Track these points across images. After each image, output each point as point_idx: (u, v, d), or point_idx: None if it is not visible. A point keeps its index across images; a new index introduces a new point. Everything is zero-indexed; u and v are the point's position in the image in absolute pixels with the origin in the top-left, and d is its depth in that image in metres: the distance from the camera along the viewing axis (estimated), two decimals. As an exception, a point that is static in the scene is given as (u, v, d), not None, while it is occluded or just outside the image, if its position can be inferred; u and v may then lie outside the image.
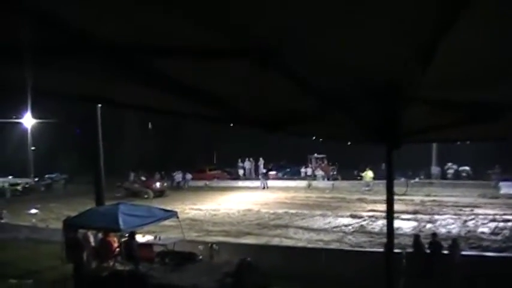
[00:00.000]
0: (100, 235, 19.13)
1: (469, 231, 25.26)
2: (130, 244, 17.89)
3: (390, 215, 5.08)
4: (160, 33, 2.34)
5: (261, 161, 59.40)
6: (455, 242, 17.53)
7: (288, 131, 5.07)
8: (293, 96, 3.63)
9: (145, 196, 47.17)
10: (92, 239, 19.13)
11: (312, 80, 3.20)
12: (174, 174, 57.38)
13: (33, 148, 61.26)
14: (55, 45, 2.28)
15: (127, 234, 17.93)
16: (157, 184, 51.04)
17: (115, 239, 18.47)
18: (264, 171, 56.18)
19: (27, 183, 56.62)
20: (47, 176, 60.43)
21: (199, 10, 2.08)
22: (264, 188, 51.88)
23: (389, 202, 5.02)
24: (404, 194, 36.37)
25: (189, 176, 56.20)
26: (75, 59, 2.51)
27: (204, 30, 2.32)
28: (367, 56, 2.90)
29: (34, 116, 58.73)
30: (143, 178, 52.23)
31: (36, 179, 59.04)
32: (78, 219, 18.83)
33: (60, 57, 2.47)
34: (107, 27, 2.23)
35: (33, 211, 36.60)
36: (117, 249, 18.19)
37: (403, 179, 41.15)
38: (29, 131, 60.14)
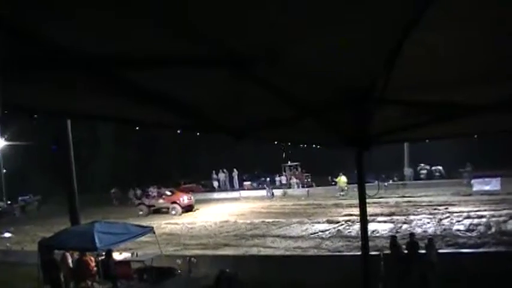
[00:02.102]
0: (76, 255, 18.93)
1: (444, 230, 25.53)
2: (107, 262, 17.77)
3: (363, 217, 5.11)
4: (137, 43, 2.35)
5: (235, 172, 59.26)
6: (430, 241, 17.67)
7: (257, 137, 5.09)
8: (265, 104, 3.66)
9: (173, 212, 43.03)
10: (69, 260, 18.91)
11: (285, 88, 3.23)
12: (149, 189, 56.82)
13: (4, 171, 60.47)
14: (25, 59, 2.26)
15: (104, 253, 17.78)
16: (185, 198, 45.28)
17: (92, 258, 18.32)
18: (268, 179, 54.27)
19: (-1, 207, 55.78)
20: (20, 198, 59.46)
21: (175, 21, 2.09)
22: (272, 196, 50.11)
23: (362, 203, 5.05)
24: (375, 197, 36.67)
25: (164, 190, 55.13)
26: (47, 72, 2.50)
27: (179, 40, 2.33)
28: (337, 62, 2.94)
29: (4, 138, 57.89)
30: (168, 192, 46.45)
31: (9, 202, 58.10)
32: (53, 240, 18.69)
33: (32, 71, 2.45)
34: (81, 39, 2.22)
35: (7, 234, 36.06)
36: (94, 269, 18.04)
37: (376, 182, 41.44)
38: (0, 153, 59.30)
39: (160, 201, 45.25)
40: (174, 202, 44.40)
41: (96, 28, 2.13)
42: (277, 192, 51.73)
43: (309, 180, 53.74)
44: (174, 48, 2.45)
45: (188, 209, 44.59)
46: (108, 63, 2.49)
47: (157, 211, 44.46)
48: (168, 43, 2.39)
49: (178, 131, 5.03)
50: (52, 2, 1.87)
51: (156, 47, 2.42)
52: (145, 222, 27.90)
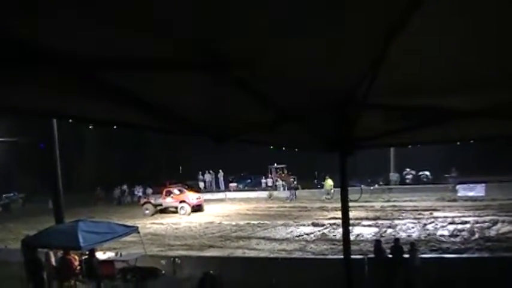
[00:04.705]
0: (60, 254, 18.83)
1: (428, 235, 25.60)
2: (90, 262, 17.68)
3: (346, 220, 5.13)
4: (120, 45, 2.34)
5: (221, 174, 59.29)
6: (413, 245, 17.74)
7: (239, 140, 5.09)
8: (247, 107, 3.65)
9: (182, 212, 41.71)
10: (53, 258, 18.81)
11: (267, 91, 3.23)
12: (135, 189, 56.61)
13: (-12, 168, 59.95)
14: (9, 59, 2.25)
15: (87, 252, 17.70)
16: (194, 197, 43.99)
17: (76, 257, 18.23)
18: (292, 179, 51.59)
19: (-17, 204, 55.31)
20: (4, 195, 58.98)
21: (159, 24, 2.09)
22: (292, 199, 47.84)
23: (345, 207, 5.06)
24: (358, 201, 36.83)
25: (149, 190, 54.08)
26: (32, 72, 2.49)
27: (164, 44, 2.33)
28: (320, 66, 2.94)
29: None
30: (176, 191, 44.44)
31: (-7, 199, 57.80)
32: (37, 238, 18.54)
33: (16, 72, 2.44)
34: (65, 40, 2.22)
35: (-10, 232, 35.75)
36: (78, 268, 17.95)
37: (362, 186, 41.49)
38: (-17, 151, 58.75)
39: (168, 200, 43.54)
40: (183, 201, 42.97)
41: (79, 31, 2.12)
42: (263, 194, 51.72)
43: (295, 182, 53.46)
44: (156, 51, 2.44)
45: (197, 208, 43.25)
46: (91, 65, 2.48)
47: (164, 211, 43.18)
48: (152, 46, 2.38)
49: (163, 134, 5.03)
50: (33, 4, 1.86)
51: (140, 50, 2.42)
52: (129, 222, 27.73)
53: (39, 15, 1.94)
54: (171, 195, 43.84)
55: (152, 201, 44.32)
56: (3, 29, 1.99)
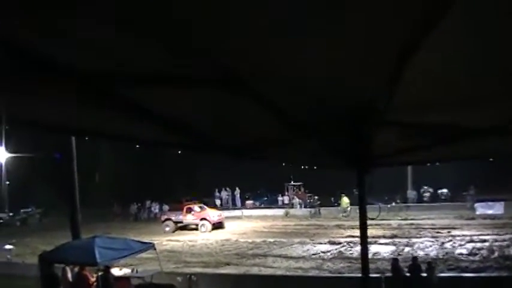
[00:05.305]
0: (76, 269, 18.89)
1: (446, 253, 25.39)
2: (106, 278, 17.69)
3: (364, 240, 5.09)
4: (130, 60, 2.34)
5: (237, 191, 59.19)
6: (430, 264, 17.64)
7: (255, 156, 5.08)
8: (262, 122, 3.65)
9: (203, 229, 42.04)
10: (69, 274, 18.88)
11: (283, 107, 3.23)
12: (151, 205, 56.69)
13: (7, 183, 60.31)
14: (23, 73, 2.27)
15: (103, 268, 17.73)
16: (216, 215, 44.42)
17: (92, 273, 18.26)
18: (315, 197, 51.78)
19: (1, 219, 55.61)
20: (22, 210, 59.40)
21: (168, 37, 2.09)
22: (319, 214, 48.23)
23: (363, 225, 5.03)
24: (375, 219, 36.57)
25: (166, 207, 54.28)
26: (45, 87, 2.50)
27: (173, 58, 2.33)
28: (336, 82, 2.93)
29: (7, 149, 57.55)
30: (197, 208, 44.57)
31: (11, 214, 58.11)
32: (54, 254, 18.63)
33: (30, 86, 2.46)
34: (73, 55, 2.22)
35: (8, 247, 35.88)
36: (94, 283, 17.97)
37: (380, 204, 41.25)
38: (3, 165, 59.00)
39: (189, 217, 43.84)
40: (204, 219, 43.14)
41: (91, 44, 2.13)
42: (279, 212, 51.58)
43: (315, 198, 52.44)
44: (169, 65, 2.44)
45: (218, 225, 43.42)
46: (103, 80, 2.49)
47: (184, 228, 43.62)
48: (163, 60, 2.38)
49: (179, 151, 5.02)
50: (34, 14, 1.88)
51: (151, 65, 2.42)
52: (145, 239, 27.76)
53: (39, 24, 1.95)
54: (192, 212, 43.86)
55: (173, 218, 44.38)
56: (2, 38, 2.00)
